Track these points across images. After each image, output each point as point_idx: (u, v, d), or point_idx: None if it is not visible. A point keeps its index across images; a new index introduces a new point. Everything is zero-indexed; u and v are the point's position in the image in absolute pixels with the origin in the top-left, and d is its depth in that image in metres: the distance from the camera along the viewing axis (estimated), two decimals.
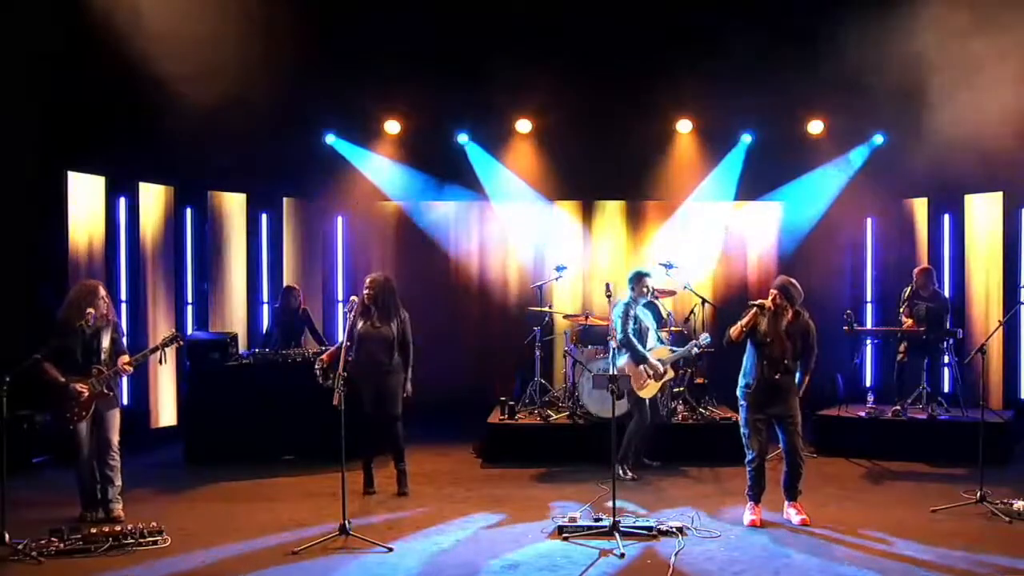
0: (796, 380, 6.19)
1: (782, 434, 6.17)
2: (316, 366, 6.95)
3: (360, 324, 6.96)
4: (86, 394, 6.12)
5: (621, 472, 7.25)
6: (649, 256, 10.40)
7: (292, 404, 8.16)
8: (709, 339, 7.60)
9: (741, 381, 6.24)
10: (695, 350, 7.65)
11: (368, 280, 7.08)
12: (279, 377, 8.33)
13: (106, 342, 6.27)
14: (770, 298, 6.14)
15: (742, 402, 6.23)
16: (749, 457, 6.18)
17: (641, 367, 7.37)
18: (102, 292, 6.32)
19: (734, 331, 6.16)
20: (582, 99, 10.09)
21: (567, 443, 8.21)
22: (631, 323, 7.38)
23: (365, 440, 6.97)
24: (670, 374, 7.67)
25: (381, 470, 7.24)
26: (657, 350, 7.55)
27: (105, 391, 6.21)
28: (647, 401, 7.47)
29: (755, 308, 6.12)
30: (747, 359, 6.24)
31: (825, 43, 9.13)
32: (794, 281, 6.18)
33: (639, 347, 7.37)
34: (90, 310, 6.12)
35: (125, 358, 6.32)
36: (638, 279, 7.44)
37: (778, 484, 6.25)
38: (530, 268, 10.63)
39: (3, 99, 8.01)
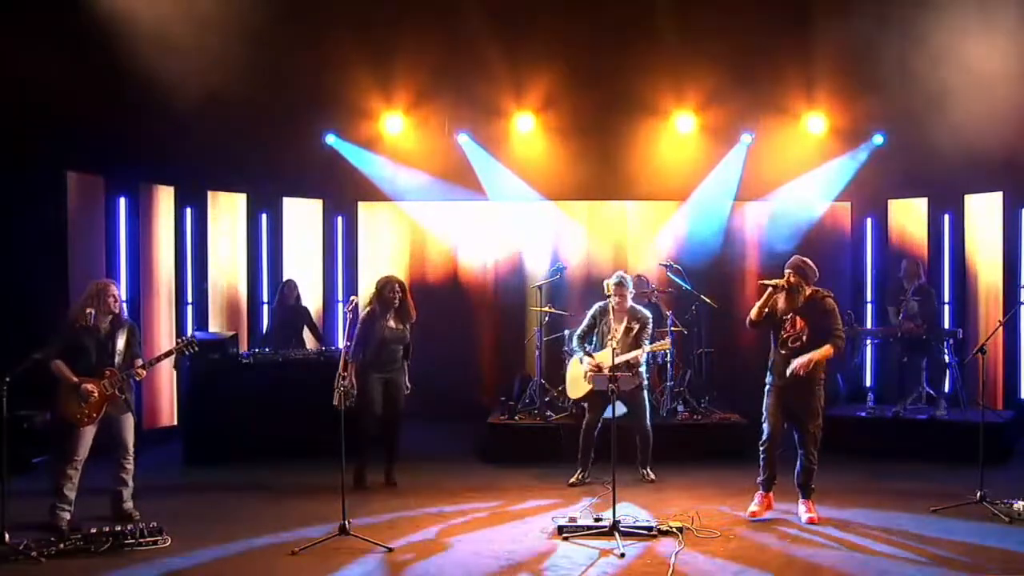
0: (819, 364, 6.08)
1: (796, 433, 6.20)
2: (345, 383, 6.12)
3: (382, 325, 7.17)
4: (96, 395, 6.00)
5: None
6: (649, 256, 10.40)
7: (291, 404, 8.18)
8: (668, 350, 7.31)
9: (768, 375, 6.26)
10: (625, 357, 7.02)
11: (395, 283, 7.30)
12: (278, 377, 8.34)
13: (121, 344, 6.15)
14: (784, 277, 6.12)
15: (768, 389, 6.25)
16: (762, 438, 6.23)
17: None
18: (112, 291, 6.19)
19: (753, 313, 6.17)
20: (582, 98, 10.08)
21: (567, 443, 8.20)
22: (585, 323, 7.40)
23: (365, 439, 7.11)
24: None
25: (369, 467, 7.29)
26: (599, 354, 7.20)
27: (117, 393, 6.08)
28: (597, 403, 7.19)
29: (769, 288, 6.11)
30: (772, 351, 6.24)
31: (826, 42, 9.13)
32: (807, 260, 6.17)
33: (574, 346, 7.57)
34: (90, 309, 6.03)
35: (139, 361, 6.24)
36: (615, 285, 7.12)
37: (788, 481, 6.28)
38: (530, 268, 10.62)
39: (3, 99, 8.00)
